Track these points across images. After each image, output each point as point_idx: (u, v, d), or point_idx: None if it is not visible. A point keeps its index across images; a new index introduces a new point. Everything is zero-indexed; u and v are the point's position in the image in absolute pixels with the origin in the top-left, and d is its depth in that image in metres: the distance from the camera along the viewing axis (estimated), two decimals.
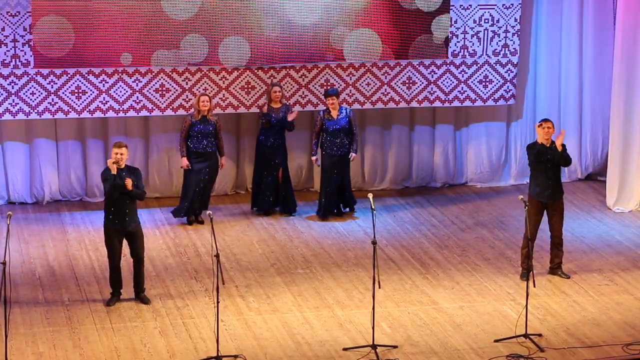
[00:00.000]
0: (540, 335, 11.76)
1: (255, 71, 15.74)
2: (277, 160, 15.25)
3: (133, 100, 15.53)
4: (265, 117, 15.16)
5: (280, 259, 13.92)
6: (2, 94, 15.18)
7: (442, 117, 16.74)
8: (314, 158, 15.27)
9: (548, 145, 13.05)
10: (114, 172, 12.19)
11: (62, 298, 12.64)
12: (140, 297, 12.50)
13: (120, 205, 12.25)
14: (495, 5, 16.15)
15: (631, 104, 15.63)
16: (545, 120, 13.20)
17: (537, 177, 13.10)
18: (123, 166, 12.28)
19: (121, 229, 12.31)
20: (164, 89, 15.58)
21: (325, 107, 15.21)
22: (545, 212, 13.16)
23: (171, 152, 16.15)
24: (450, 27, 16.00)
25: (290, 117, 15.06)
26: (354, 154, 15.17)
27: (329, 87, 15.62)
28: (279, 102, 15.21)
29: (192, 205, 14.95)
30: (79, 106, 15.41)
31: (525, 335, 11.63)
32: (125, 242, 12.43)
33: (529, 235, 12.39)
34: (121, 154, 12.26)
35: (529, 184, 13.31)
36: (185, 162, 14.88)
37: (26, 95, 15.27)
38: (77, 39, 14.98)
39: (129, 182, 12.20)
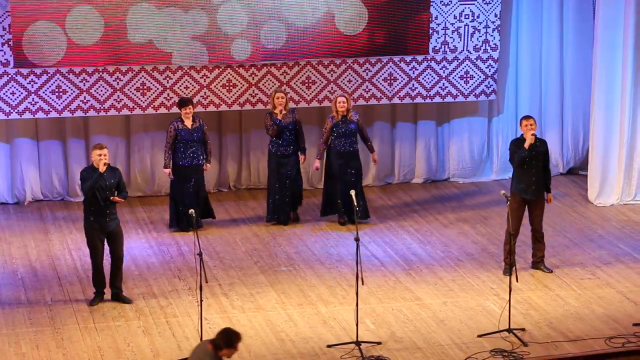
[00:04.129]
0: (523, 329, 11.79)
1: (237, 69, 15.72)
2: (290, 168, 14.79)
3: (114, 99, 15.49)
4: (274, 124, 14.61)
5: (263, 256, 13.91)
6: None
7: (424, 113, 16.76)
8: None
9: (532, 141, 13.07)
10: (102, 170, 12.15)
11: (44, 298, 12.60)
12: (120, 297, 12.44)
13: (100, 205, 12.21)
14: (476, 0, 16.17)
15: (612, 98, 15.68)
16: (526, 117, 13.23)
17: (521, 175, 13.12)
18: (105, 168, 12.23)
19: (103, 229, 12.28)
20: (145, 87, 15.54)
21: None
22: (526, 207, 13.20)
23: (153, 151, 16.11)
24: (431, 23, 16.02)
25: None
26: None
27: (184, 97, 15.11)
28: (284, 108, 14.65)
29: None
30: (59, 105, 15.36)
31: (509, 330, 11.66)
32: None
33: (512, 231, 12.42)
34: (105, 155, 12.23)
35: (511, 180, 13.33)
36: (318, 164, 14.74)
37: (6, 95, 15.21)
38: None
39: (117, 198, 12.23)
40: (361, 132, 14.78)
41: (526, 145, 12.99)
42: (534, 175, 13.10)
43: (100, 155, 12.21)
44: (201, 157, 14.54)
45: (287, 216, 14.91)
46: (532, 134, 12.99)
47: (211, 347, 9.05)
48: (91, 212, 12.26)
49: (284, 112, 14.62)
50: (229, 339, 9.06)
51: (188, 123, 14.41)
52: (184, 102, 14.48)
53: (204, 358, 9.03)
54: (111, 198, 12.21)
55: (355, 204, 11.74)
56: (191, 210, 11.56)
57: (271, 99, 14.81)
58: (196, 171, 14.54)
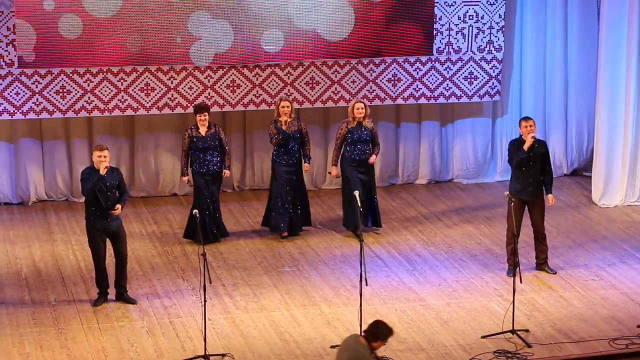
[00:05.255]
0: (527, 330, 11.79)
1: (241, 69, 15.73)
2: (295, 178, 14.41)
3: (118, 100, 15.50)
4: (279, 133, 14.23)
5: (267, 257, 13.91)
6: None
7: (428, 114, 16.76)
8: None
9: (531, 143, 13.05)
10: (103, 173, 12.11)
11: (48, 298, 12.61)
12: (124, 297, 12.45)
13: (102, 207, 12.19)
14: (480, 1, 16.17)
15: (616, 99, 15.67)
16: (526, 118, 13.21)
17: (518, 176, 13.12)
18: (106, 170, 12.19)
19: (104, 229, 12.28)
20: (149, 87, 15.55)
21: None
22: (526, 208, 13.19)
23: (157, 152, 16.12)
24: (435, 23, 16.02)
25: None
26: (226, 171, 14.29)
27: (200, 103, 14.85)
28: (289, 117, 14.32)
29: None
30: (63, 106, 15.37)
31: (513, 331, 11.66)
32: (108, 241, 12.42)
33: (514, 231, 12.41)
34: (105, 157, 12.19)
35: (510, 181, 13.32)
36: (335, 171, 14.40)
37: (10, 95, 15.22)
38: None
39: (118, 209, 12.20)
40: (373, 140, 14.53)
41: (525, 147, 12.97)
42: (531, 176, 13.09)
43: (100, 156, 12.15)
44: (218, 164, 14.16)
45: (289, 225, 14.45)
46: (532, 136, 12.96)
47: (364, 340, 9.16)
48: (92, 213, 12.25)
49: (288, 121, 14.29)
50: (381, 332, 9.21)
51: (202, 130, 14.13)
52: (198, 109, 14.18)
53: (359, 350, 9.13)
54: (112, 211, 12.13)
55: (360, 205, 11.72)
56: (195, 211, 11.56)
57: (276, 106, 14.47)
58: (213, 179, 14.17)
